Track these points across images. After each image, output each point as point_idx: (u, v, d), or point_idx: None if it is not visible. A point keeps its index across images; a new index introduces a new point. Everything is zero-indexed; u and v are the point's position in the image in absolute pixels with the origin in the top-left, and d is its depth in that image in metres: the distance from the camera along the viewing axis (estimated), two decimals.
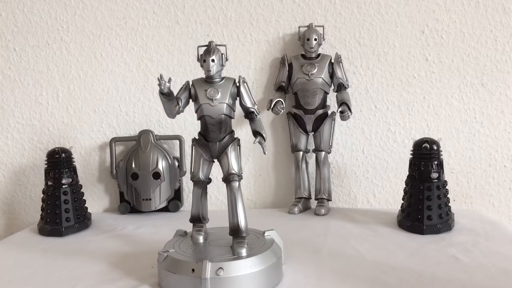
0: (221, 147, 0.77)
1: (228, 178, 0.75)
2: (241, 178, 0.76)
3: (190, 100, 0.78)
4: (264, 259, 0.71)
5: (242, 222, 0.74)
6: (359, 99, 1.20)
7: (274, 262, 0.72)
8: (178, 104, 0.76)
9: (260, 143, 0.76)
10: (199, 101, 0.76)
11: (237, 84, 0.78)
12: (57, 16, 1.24)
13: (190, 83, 0.77)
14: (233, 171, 0.75)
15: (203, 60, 0.75)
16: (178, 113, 0.77)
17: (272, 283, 0.72)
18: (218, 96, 0.76)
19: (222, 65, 0.77)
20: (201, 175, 0.77)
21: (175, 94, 0.76)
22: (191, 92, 0.77)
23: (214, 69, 0.75)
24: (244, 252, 0.71)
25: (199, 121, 0.78)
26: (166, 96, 0.73)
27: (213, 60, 0.75)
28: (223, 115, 0.76)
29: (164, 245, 0.76)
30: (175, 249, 0.74)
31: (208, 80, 0.77)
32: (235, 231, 0.74)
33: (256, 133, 0.77)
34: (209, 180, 0.79)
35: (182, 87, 0.78)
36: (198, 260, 0.68)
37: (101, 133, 1.26)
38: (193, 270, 0.67)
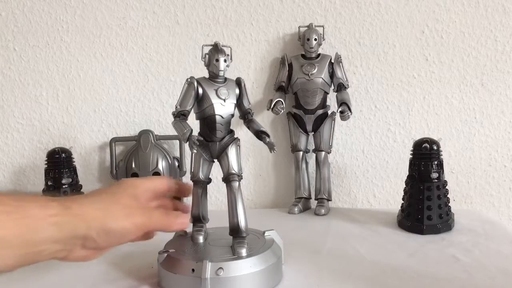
0: (221, 147, 0.77)
1: (228, 178, 0.75)
2: (241, 178, 0.76)
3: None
4: (264, 259, 0.71)
5: (242, 222, 0.74)
6: (359, 99, 1.20)
7: (274, 262, 0.72)
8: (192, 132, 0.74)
9: (271, 143, 0.77)
10: (210, 100, 0.75)
11: (239, 85, 0.79)
12: (57, 16, 1.24)
13: (195, 82, 0.75)
14: (233, 171, 0.75)
15: (215, 59, 0.75)
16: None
17: (272, 283, 0.72)
18: (228, 96, 0.76)
19: (228, 66, 0.77)
20: (201, 175, 0.77)
21: (180, 99, 0.75)
22: (198, 91, 0.75)
23: (225, 68, 0.75)
24: (244, 252, 0.71)
25: (199, 120, 0.78)
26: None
27: (225, 60, 0.75)
28: (230, 115, 0.77)
29: (164, 245, 0.76)
30: (175, 249, 0.74)
31: (214, 80, 0.76)
32: (235, 231, 0.74)
33: (262, 133, 0.78)
34: (209, 180, 0.79)
35: (188, 91, 0.75)
36: (198, 260, 0.68)
37: (101, 133, 1.26)
38: (193, 270, 0.67)
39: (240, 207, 0.74)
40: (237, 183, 0.75)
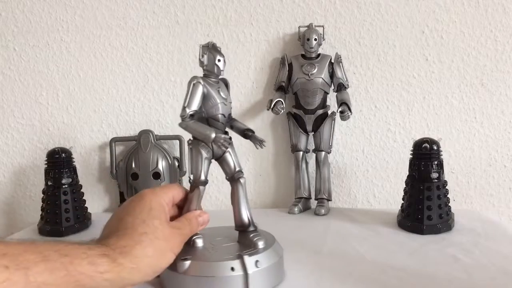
0: None
1: (235, 176, 0.76)
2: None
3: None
4: (275, 252, 0.72)
5: (251, 216, 0.76)
6: (359, 99, 1.20)
7: (278, 260, 0.73)
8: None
9: (258, 138, 0.77)
10: (215, 100, 0.75)
11: (227, 85, 0.79)
12: (57, 16, 1.24)
13: (202, 81, 0.74)
14: (238, 168, 0.76)
15: (217, 59, 0.75)
16: None
17: (278, 279, 0.72)
18: (228, 96, 0.77)
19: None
20: (203, 176, 0.76)
21: (189, 99, 0.74)
22: (203, 91, 0.74)
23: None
24: (262, 244, 0.72)
25: (199, 121, 0.77)
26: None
27: (224, 61, 0.76)
28: (229, 114, 0.77)
29: None
30: (189, 255, 0.70)
31: (214, 80, 0.76)
32: (246, 226, 0.75)
33: (249, 131, 0.78)
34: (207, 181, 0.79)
35: (196, 91, 0.74)
36: (234, 258, 0.68)
37: (101, 133, 1.26)
38: (232, 268, 0.66)
39: (247, 202, 0.76)
40: (244, 179, 0.76)
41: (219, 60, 0.75)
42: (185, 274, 0.68)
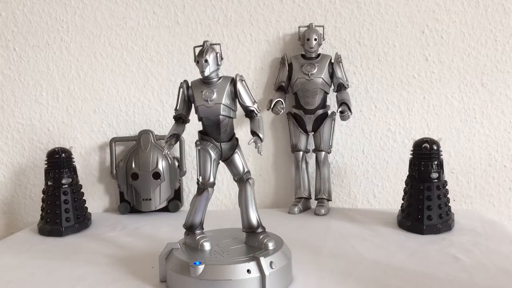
0: (230, 148, 0.77)
1: (244, 177, 0.77)
2: None
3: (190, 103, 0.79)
4: (285, 253, 0.73)
5: (259, 217, 0.76)
6: (359, 99, 1.20)
7: (289, 261, 0.74)
8: (177, 139, 0.79)
9: (255, 142, 0.75)
10: (196, 102, 0.76)
11: (234, 84, 0.77)
12: (57, 16, 1.24)
13: (187, 84, 0.77)
14: (247, 169, 0.78)
15: (196, 61, 0.75)
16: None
17: (288, 281, 0.73)
18: (214, 96, 0.75)
19: (218, 65, 0.75)
20: (212, 178, 0.76)
21: (176, 102, 0.78)
22: (189, 94, 0.77)
23: (208, 69, 0.74)
24: (272, 245, 0.73)
25: (200, 121, 0.78)
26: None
27: (206, 61, 0.73)
28: (220, 116, 0.75)
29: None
30: (201, 259, 0.70)
31: (205, 80, 0.76)
32: (256, 227, 0.75)
33: (254, 133, 0.77)
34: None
35: (180, 95, 0.78)
36: (249, 260, 0.68)
37: (101, 133, 1.26)
38: (248, 270, 0.67)
39: (255, 204, 0.77)
40: (253, 180, 0.77)
41: (197, 62, 0.75)
42: (199, 279, 0.67)
